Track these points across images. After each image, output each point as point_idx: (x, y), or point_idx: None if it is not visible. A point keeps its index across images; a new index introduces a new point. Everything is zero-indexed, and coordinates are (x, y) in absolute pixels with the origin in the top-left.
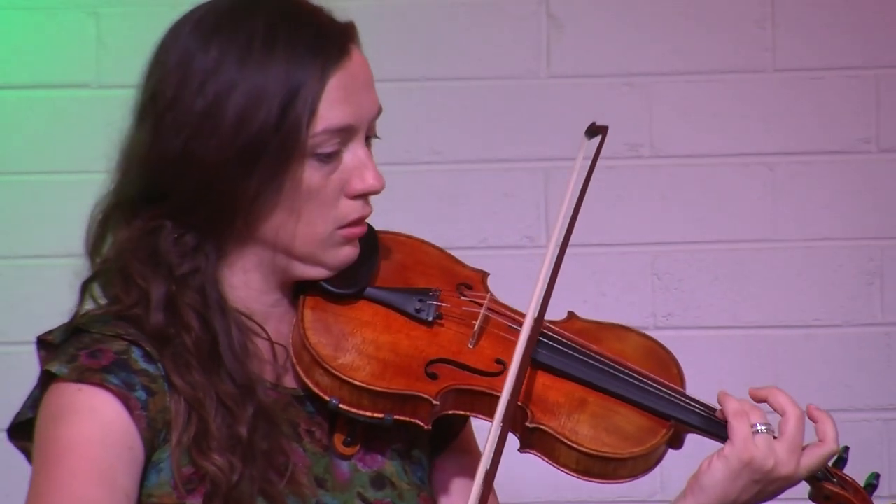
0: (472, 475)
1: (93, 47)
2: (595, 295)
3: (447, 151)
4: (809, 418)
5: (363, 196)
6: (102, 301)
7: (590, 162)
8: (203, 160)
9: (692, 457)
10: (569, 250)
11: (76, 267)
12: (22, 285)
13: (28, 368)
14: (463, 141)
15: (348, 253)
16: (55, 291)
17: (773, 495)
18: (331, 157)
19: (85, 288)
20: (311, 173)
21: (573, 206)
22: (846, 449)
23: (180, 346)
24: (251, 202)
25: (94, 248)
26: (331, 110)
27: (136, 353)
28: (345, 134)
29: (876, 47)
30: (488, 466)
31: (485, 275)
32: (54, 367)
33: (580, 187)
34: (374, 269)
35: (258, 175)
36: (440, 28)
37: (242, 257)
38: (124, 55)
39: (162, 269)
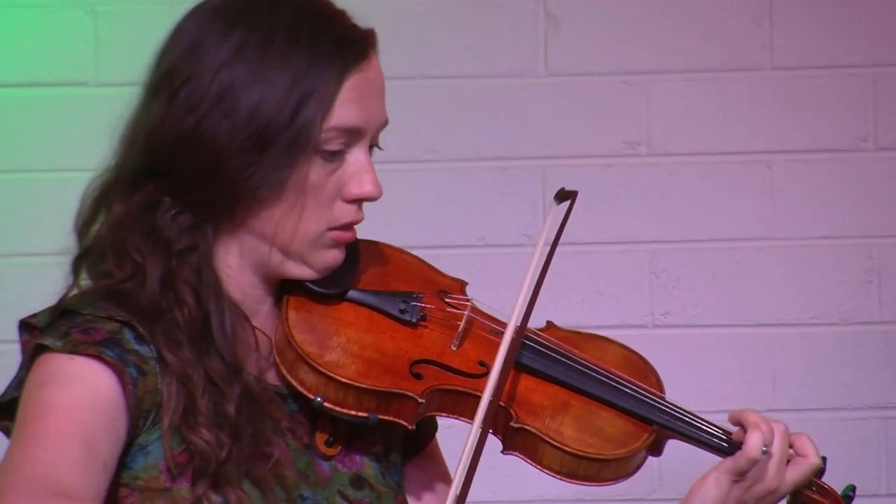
0: (441, 482)
1: (91, 45)
2: (593, 293)
3: (445, 150)
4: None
5: (358, 201)
6: (86, 283)
7: (558, 225)
8: (212, 142)
9: (691, 459)
10: (568, 249)
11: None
12: (19, 284)
13: None
14: (461, 139)
15: (334, 256)
16: (53, 290)
17: None
18: (335, 157)
19: (77, 265)
20: (315, 170)
21: (540, 269)
22: (824, 459)
23: (171, 321)
24: (253, 191)
25: (84, 225)
26: (343, 109)
27: (128, 335)
28: (352, 135)
29: (873, 46)
30: (468, 467)
31: (464, 283)
32: (47, 341)
33: (548, 250)
34: (358, 272)
35: (264, 164)
36: (438, 26)
37: (237, 244)
38: (122, 53)
39: (160, 243)
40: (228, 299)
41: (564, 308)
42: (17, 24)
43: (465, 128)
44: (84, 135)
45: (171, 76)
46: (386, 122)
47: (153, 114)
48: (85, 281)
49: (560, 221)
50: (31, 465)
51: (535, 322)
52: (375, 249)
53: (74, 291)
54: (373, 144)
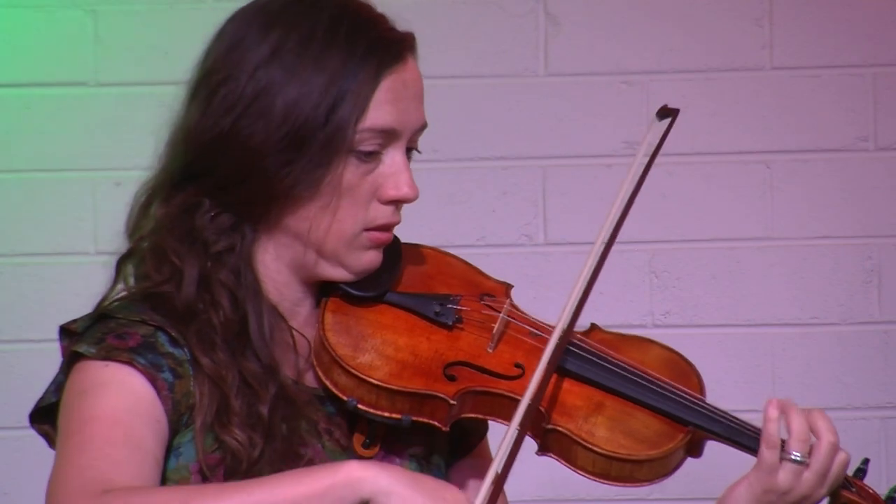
0: None
1: (90, 45)
2: (593, 293)
3: (445, 149)
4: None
5: (394, 203)
6: (131, 281)
7: (656, 144)
8: (248, 141)
9: (697, 461)
10: (568, 249)
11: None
12: (20, 284)
13: (24, 366)
14: (461, 139)
15: (372, 258)
16: (51, 290)
17: None
18: (370, 157)
19: (120, 266)
20: (350, 170)
21: (631, 192)
22: (866, 461)
23: (206, 323)
24: (289, 190)
25: (134, 229)
26: (378, 110)
27: (162, 338)
28: (387, 136)
29: (873, 45)
30: (500, 468)
31: (508, 286)
32: (81, 348)
33: (644, 168)
34: (397, 275)
35: (299, 164)
36: (438, 26)
37: (274, 245)
38: (122, 53)
39: (197, 245)
40: (267, 300)
41: (590, 321)
42: (18, 23)
43: (466, 128)
44: (84, 134)
45: (209, 77)
46: (424, 125)
47: (192, 115)
48: (130, 278)
49: (660, 137)
50: (78, 473)
51: (578, 324)
52: (417, 252)
53: (116, 293)
54: (411, 147)
